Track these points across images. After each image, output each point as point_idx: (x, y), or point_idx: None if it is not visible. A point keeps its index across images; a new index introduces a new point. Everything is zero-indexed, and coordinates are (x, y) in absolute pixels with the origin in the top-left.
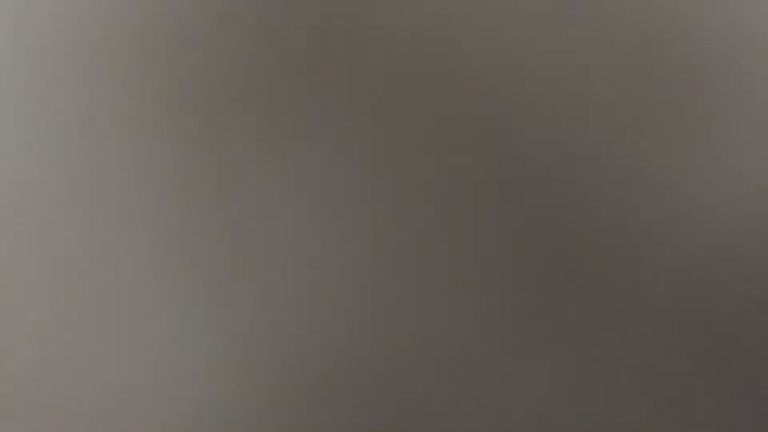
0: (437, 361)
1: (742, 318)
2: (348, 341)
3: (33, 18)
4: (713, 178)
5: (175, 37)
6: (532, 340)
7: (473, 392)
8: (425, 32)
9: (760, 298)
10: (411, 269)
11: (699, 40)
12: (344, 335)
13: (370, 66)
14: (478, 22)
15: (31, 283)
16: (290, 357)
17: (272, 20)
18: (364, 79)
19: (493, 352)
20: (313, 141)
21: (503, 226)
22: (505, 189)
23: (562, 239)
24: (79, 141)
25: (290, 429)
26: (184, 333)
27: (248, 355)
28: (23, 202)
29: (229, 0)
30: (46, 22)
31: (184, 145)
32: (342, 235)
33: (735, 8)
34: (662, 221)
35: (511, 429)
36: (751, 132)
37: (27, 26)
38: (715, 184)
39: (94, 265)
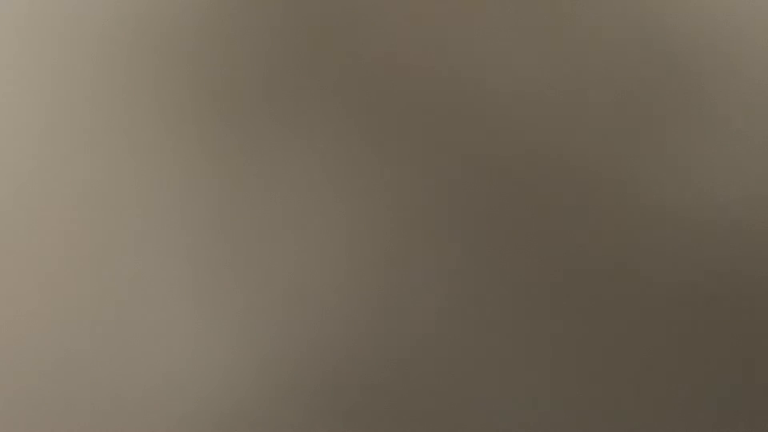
0: (436, 361)
1: (741, 322)
2: (347, 341)
3: (37, 17)
4: (712, 179)
5: (175, 38)
6: (532, 345)
7: (472, 393)
8: (425, 35)
9: (759, 301)
10: (411, 270)
11: (697, 39)
12: (344, 335)
13: (370, 68)
14: (477, 25)
15: (33, 282)
16: (290, 356)
17: (272, 21)
18: (363, 81)
19: (492, 355)
20: (313, 141)
21: (503, 227)
22: (504, 190)
23: (558, 243)
24: (81, 142)
25: (288, 426)
26: (183, 332)
27: (248, 354)
28: (25, 200)
29: (228, 2)
30: (49, 22)
31: (184, 145)
32: (342, 235)
33: (734, 7)
34: (660, 223)
35: (511, 430)
36: (750, 133)
37: (31, 25)
38: (713, 185)
39: (96, 265)
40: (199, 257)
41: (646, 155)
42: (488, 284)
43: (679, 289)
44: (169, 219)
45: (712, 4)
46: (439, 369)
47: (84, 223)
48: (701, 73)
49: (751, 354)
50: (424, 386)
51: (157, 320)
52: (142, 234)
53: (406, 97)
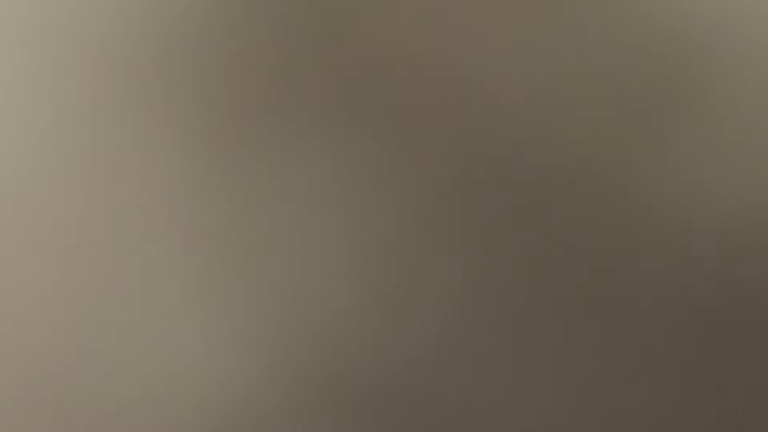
0: (440, 363)
1: (741, 323)
2: (351, 342)
3: (37, 17)
4: (712, 179)
5: (175, 38)
6: (534, 346)
7: (476, 395)
8: (426, 35)
9: (759, 301)
10: (415, 271)
11: (696, 40)
12: (348, 336)
13: (371, 68)
14: (477, 26)
15: (34, 282)
16: (292, 356)
17: (272, 21)
18: (365, 81)
19: (495, 355)
20: (315, 141)
21: (504, 228)
22: (502, 189)
23: (559, 243)
24: (82, 142)
25: (291, 427)
26: (185, 332)
27: (250, 354)
28: (25, 200)
29: (229, 2)
30: (49, 22)
31: (186, 145)
32: (346, 234)
33: (732, 7)
34: (659, 223)
35: (513, 430)
36: (749, 133)
37: (31, 25)
38: (713, 185)
39: (97, 264)
40: (201, 257)
41: (645, 156)
42: (489, 285)
43: (679, 290)
44: (171, 219)
45: (710, 5)
46: (443, 370)
47: (85, 222)
48: (700, 73)
49: (752, 354)
50: (428, 388)
51: (158, 320)
52: (144, 234)
53: (407, 97)
